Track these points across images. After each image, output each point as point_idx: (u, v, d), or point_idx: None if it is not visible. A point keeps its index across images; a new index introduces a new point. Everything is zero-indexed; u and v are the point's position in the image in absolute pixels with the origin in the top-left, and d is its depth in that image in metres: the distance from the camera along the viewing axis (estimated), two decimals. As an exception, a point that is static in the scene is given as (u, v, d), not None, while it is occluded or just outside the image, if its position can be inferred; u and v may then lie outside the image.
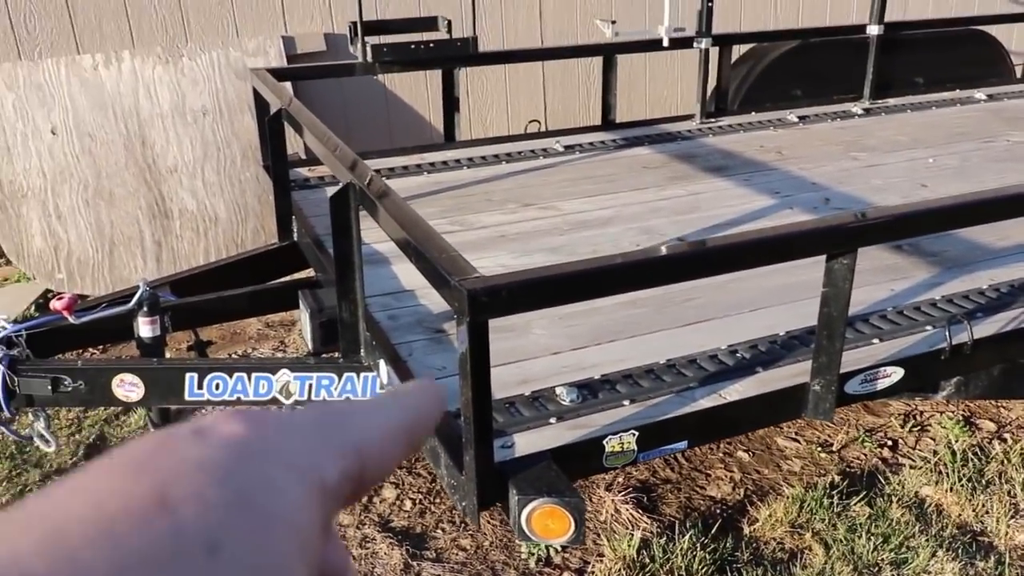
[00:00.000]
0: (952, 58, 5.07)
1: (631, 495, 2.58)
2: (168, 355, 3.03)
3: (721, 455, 2.79)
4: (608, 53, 4.05)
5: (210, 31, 4.30)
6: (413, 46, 3.50)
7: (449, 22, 3.63)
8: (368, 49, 3.45)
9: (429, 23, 3.71)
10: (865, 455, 2.77)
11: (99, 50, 4.11)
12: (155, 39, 4.23)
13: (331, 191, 2.03)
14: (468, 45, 3.55)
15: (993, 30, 5.19)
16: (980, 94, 4.81)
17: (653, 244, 2.80)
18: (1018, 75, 5.22)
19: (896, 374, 2.05)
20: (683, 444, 1.86)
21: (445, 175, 3.48)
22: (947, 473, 2.62)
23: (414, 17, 3.72)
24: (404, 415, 0.33)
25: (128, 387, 2.38)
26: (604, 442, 1.75)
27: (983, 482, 2.60)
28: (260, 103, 3.32)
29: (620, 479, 2.66)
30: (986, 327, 2.24)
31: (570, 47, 4.51)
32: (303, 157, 3.89)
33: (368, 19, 3.55)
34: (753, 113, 4.44)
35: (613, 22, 3.93)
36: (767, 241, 1.71)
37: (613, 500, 2.56)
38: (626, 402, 1.88)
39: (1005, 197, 1.95)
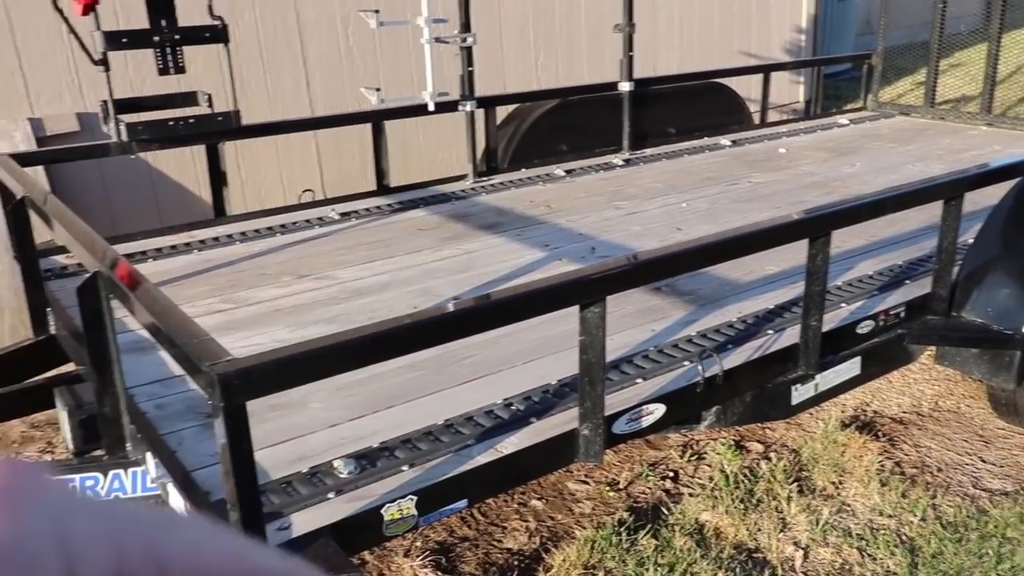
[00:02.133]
0: (698, 109, 5.55)
1: (429, 558, 2.56)
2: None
3: (516, 505, 2.84)
4: (376, 120, 4.11)
5: (-57, 115, 3.96)
6: (171, 122, 3.39)
7: (209, 96, 3.55)
8: (123, 128, 3.30)
9: (188, 98, 3.61)
10: (650, 489, 2.92)
11: None
12: None
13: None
14: (229, 119, 3.48)
15: (733, 82, 5.73)
16: (725, 140, 5.30)
17: (429, 306, 2.85)
18: (756, 121, 5.80)
19: (658, 410, 2.18)
20: (463, 503, 1.88)
21: (216, 251, 3.37)
22: (722, 497, 2.81)
23: (172, 93, 3.60)
24: (236, 549, 0.29)
25: None
26: (383, 511, 1.74)
27: (754, 501, 2.81)
28: (3, 191, 3.08)
29: (418, 543, 2.64)
30: (736, 357, 2.45)
31: (338, 116, 4.53)
32: (59, 243, 3.63)
33: (121, 97, 3.41)
34: (523, 169, 4.64)
35: (378, 90, 4.00)
36: (521, 297, 1.79)
37: (412, 566, 2.54)
38: (405, 467, 1.88)
39: (720, 241, 2.15)
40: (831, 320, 2.64)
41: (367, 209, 3.94)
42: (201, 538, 0.29)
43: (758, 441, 3.19)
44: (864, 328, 2.63)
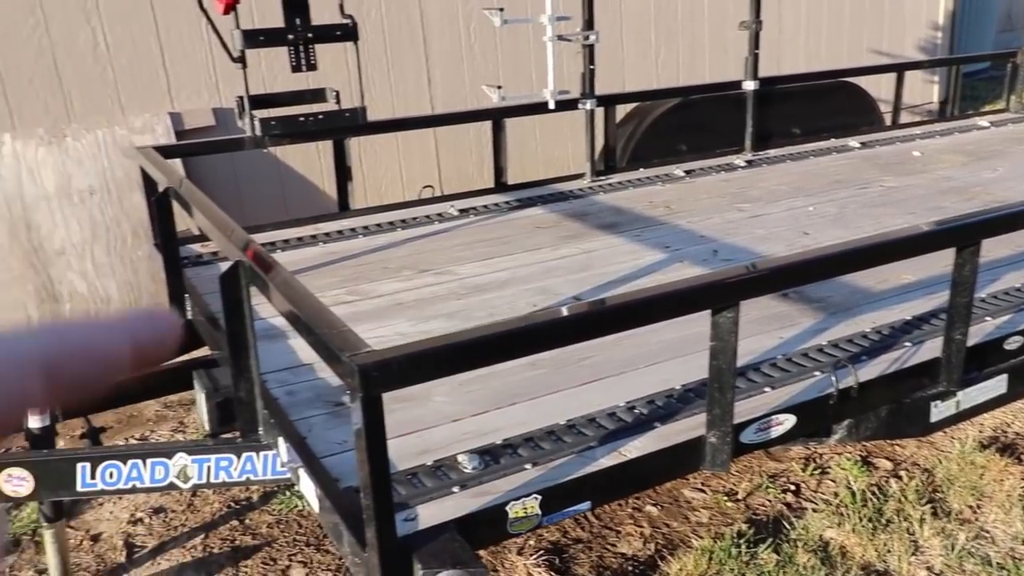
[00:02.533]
0: (825, 109, 5.36)
1: (543, 558, 2.55)
2: (60, 444, 2.88)
3: (630, 510, 2.80)
4: (497, 117, 4.13)
5: (94, 110, 4.20)
6: (302, 118, 3.49)
7: (337, 93, 3.64)
8: (256, 123, 3.42)
9: (317, 95, 3.71)
10: (770, 501, 2.83)
11: (-24, 133, 3.96)
12: (37, 121, 4.10)
13: (225, 266, 1.99)
14: (357, 115, 3.56)
15: (863, 81, 5.51)
16: (854, 142, 5.09)
17: (549, 304, 2.83)
18: (887, 123, 5.55)
19: (788, 421, 2.10)
20: (587, 505, 1.86)
21: (340, 244, 3.45)
22: (848, 514, 2.69)
23: (302, 90, 3.71)
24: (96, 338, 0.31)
25: (17, 482, 2.25)
26: (507, 508, 1.74)
27: (883, 521, 2.68)
28: (148, 181, 3.24)
29: (531, 542, 2.64)
30: (871, 369, 2.34)
31: (459, 113, 4.58)
32: (196, 232, 3.80)
33: (256, 93, 3.53)
34: (641, 169, 4.58)
35: (499, 87, 4.01)
36: (652, 300, 1.75)
37: (525, 564, 2.53)
38: (528, 466, 1.87)
39: (871, 245, 2.06)
40: (975, 334, 2.49)
41: (485, 206, 3.96)
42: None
43: (886, 458, 3.05)
44: (1012, 344, 2.47)
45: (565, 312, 1.73)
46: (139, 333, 0.31)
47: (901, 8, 7.19)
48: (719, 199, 4.09)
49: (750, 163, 4.72)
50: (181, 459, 2.16)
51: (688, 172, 4.54)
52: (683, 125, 5.00)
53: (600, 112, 4.41)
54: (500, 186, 4.20)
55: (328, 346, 1.46)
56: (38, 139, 4.02)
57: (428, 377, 1.51)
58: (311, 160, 4.63)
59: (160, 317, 0.32)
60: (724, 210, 3.90)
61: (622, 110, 4.76)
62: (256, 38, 3.42)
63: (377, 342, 2.46)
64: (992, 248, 3.06)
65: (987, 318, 2.61)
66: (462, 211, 3.88)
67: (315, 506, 1.85)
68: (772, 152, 4.92)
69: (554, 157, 5.50)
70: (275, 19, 3.50)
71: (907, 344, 2.46)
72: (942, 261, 2.30)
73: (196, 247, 3.51)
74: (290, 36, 3.44)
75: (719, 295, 1.84)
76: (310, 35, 3.47)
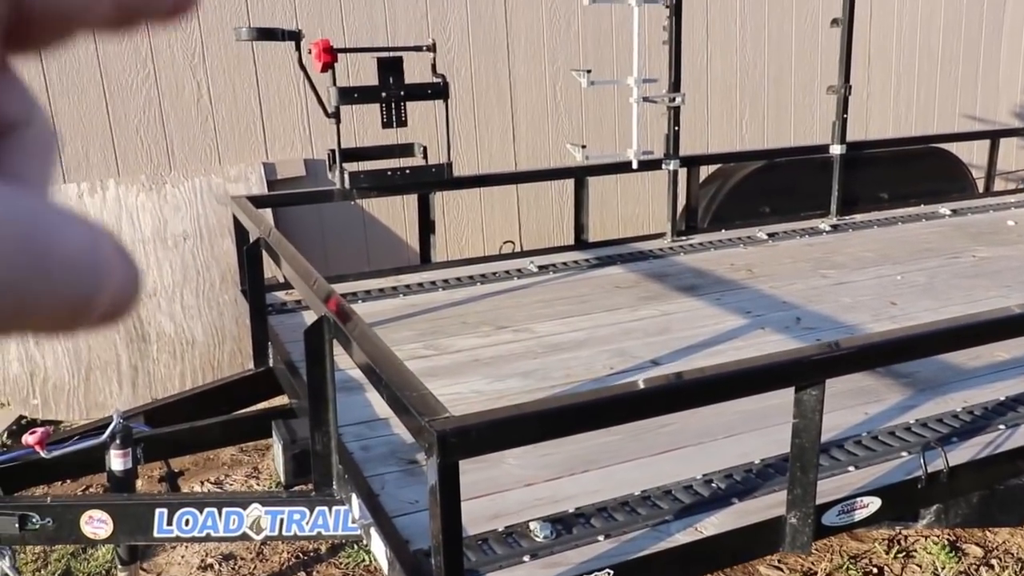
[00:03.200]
0: (914, 174, 5.25)
1: (611, 629, 2.49)
2: (139, 484, 2.97)
3: (703, 583, 2.72)
4: (580, 175, 4.16)
5: (193, 159, 4.39)
6: (389, 172, 3.59)
7: (425, 148, 3.73)
8: (346, 176, 3.53)
9: (405, 149, 3.81)
10: (850, 581, 2.72)
11: (85, 179, 4.18)
12: (140, 167, 4.31)
13: (307, 315, 2.05)
14: (443, 170, 3.64)
15: (954, 147, 5.38)
16: (944, 209, 4.95)
17: (626, 367, 2.81)
18: (980, 189, 5.40)
19: (873, 504, 2.03)
20: (660, 582, 1.82)
21: (420, 297, 3.50)
22: (934, 600, 2.57)
23: (391, 144, 3.82)
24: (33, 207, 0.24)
25: (96, 524, 2.32)
26: (579, 582, 1.71)
27: (970, 609, 2.55)
28: (239, 229, 3.36)
29: (600, 611, 2.58)
30: (962, 453, 2.24)
31: (542, 171, 4.63)
32: (281, 280, 3.92)
33: (346, 147, 3.65)
34: (723, 231, 4.54)
35: (583, 146, 4.05)
36: (733, 376, 1.72)
37: (593, 635, 2.48)
38: (600, 537, 1.85)
39: (960, 327, 1.99)
40: (1075, 421, 2.37)
41: (565, 263, 3.98)
42: None
43: (977, 544, 2.90)
44: (1117, 433, 2.34)
45: (643, 386, 1.71)
46: (114, 263, 0.25)
47: (995, 73, 7.01)
48: (803, 264, 4.02)
49: (835, 228, 4.64)
50: (255, 510, 2.19)
51: (771, 235, 4.48)
52: (767, 187, 4.96)
53: (683, 172, 4.42)
54: (580, 243, 4.22)
55: (407, 408, 1.48)
56: (140, 185, 4.22)
57: (506, 446, 1.52)
58: (396, 212, 4.73)
59: (130, 262, 0.26)
60: (807, 276, 3.83)
61: (705, 171, 4.75)
62: (351, 95, 3.54)
63: (452, 399, 2.49)
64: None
65: (1089, 403, 2.49)
66: (541, 267, 3.90)
67: (384, 566, 1.86)
68: (858, 217, 4.83)
69: (633, 215, 5.50)
70: (369, 76, 3.63)
71: (1001, 427, 2.36)
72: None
73: (281, 295, 3.61)
74: (383, 94, 3.55)
75: (804, 372, 1.80)
76: (402, 93, 3.57)
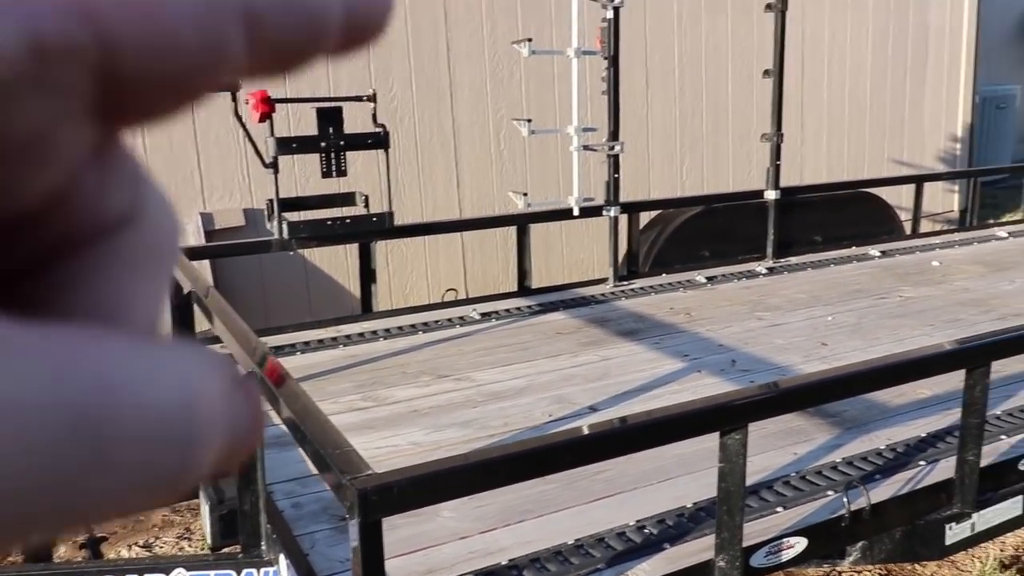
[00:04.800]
0: (845, 217, 5.42)
1: None
2: (59, 552, 2.89)
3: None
4: (522, 223, 4.23)
5: (130, 208, 4.35)
6: (329, 222, 3.60)
7: (366, 197, 3.77)
8: (285, 226, 3.54)
9: (347, 199, 3.84)
10: (787, 620, 2.75)
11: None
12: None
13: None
14: (384, 219, 3.67)
15: (884, 190, 5.58)
16: (874, 251, 5.12)
17: (565, 414, 2.85)
18: (907, 232, 5.59)
19: (800, 544, 2.08)
20: (590, 630, 1.84)
21: (361, 347, 3.50)
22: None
23: (332, 193, 3.84)
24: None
25: (11, 598, 2.26)
26: (509, 633, 1.72)
27: (903, 644, 2.60)
28: (172, 282, 3.34)
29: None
30: (885, 490, 2.31)
31: (485, 218, 4.69)
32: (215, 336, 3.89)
33: (286, 196, 3.66)
34: (664, 275, 4.63)
35: (525, 194, 4.13)
36: (656, 423, 1.76)
37: None
38: (533, 588, 1.86)
39: (875, 369, 2.06)
40: (990, 454, 2.46)
41: (508, 310, 4.01)
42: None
43: (908, 579, 2.97)
44: (1029, 467, 2.43)
45: (567, 437, 1.74)
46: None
47: (921, 120, 7.31)
48: (739, 307, 4.11)
49: (771, 270, 4.76)
50: (179, 575, 2.15)
51: (710, 279, 4.58)
52: (706, 232, 5.08)
53: (624, 218, 4.51)
54: (523, 290, 4.27)
55: (329, 466, 1.49)
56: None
57: (431, 501, 1.53)
58: (338, 261, 4.74)
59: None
60: (744, 318, 3.92)
61: (646, 216, 4.85)
62: (289, 146, 3.57)
63: (388, 452, 2.50)
64: (1007, 363, 3.05)
65: (1002, 437, 2.58)
66: (484, 315, 3.93)
67: (316, 624, 1.84)
68: (793, 259, 4.96)
69: (579, 260, 5.58)
70: (309, 125, 3.66)
71: (922, 463, 2.44)
72: (960, 375, 2.29)
73: (215, 348, 3.58)
74: (322, 144, 3.58)
75: (727, 417, 1.85)
76: (342, 143, 3.61)
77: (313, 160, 3.68)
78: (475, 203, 5.15)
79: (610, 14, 4.20)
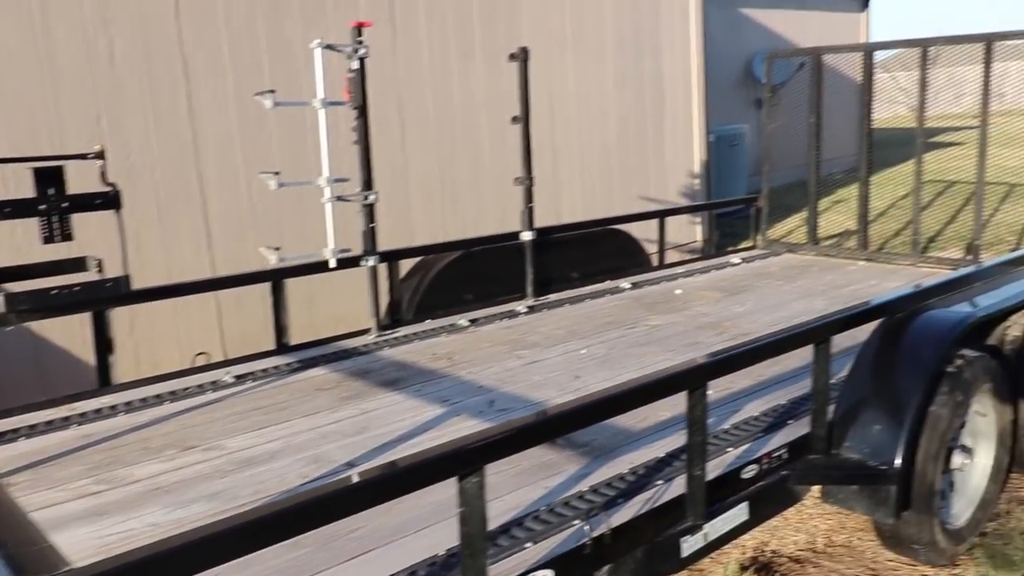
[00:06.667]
0: (598, 253, 5.73)
1: None
2: None
3: None
4: (276, 278, 4.11)
5: None
6: (55, 291, 3.32)
7: (100, 262, 3.51)
8: (1, 298, 3.22)
9: (77, 264, 3.55)
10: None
11: None
12: None
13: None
14: (119, 284, 3.43)
15: (634, 226, 5.94)
16: (626, 283, 5.45)
17: (321, 474, 2.77)
18: (654, 263, 6.00)
19: (546, 576, 2.13)
20: None
21: (97, 425, 3.23)
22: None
23: (59, 260, 3.54)
24: None
25: None
26: None
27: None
28: None
29: None
30: (626, 512, 2.43)
31: (233, 277, 4.50)
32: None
33: (6, 265, 3.35)
34: (428, 321, 4.67)
35: (277, 248, 4.02)
36: (389, 478, 1.75)
37: None
38: (275, 663, 1.77)
39: (593, 403, 2.18)
40: (717, 466, 2.67)
41: (264, 370, 3.87)
42: None
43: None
44: (749, 472, 2.65)
45: (285, 504, 1.67)
46: None
47: (662, 159, 7.93)
48: (500, 347, 4.22)
49: (531, 309, 4.93)
50: None
51: (472, 321, 4.67)
52: (468, 275, 5.17)
53: (386, 267, 4.51)
54: (282, 347, 4.14)
55: (20, 569, 1.35)
56: None
57: (139, 590, 1.42)
58: (73, 330, 4.38)
59: None
60: (503, 358, 4.02)
61: (409, 264, 4.87)
62: (2, 210, 3.26)
63: (123, 538, 2.31)
64: (736, 379, 3.33)
65: (729, 449, 2.80)
66: (239, 377, 3.76)
67: None
68: (552, 296, 5.17)
69: (346, 313, 5.50)
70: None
71: (659, 483, 2.59)
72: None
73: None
74: (42, 207, 3.31)
75: (461, 462, 1.87)
76: (65, 204, 3.35)
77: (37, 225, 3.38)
78: (230, 260, 4.95)
79: (356, 64, 4.24)
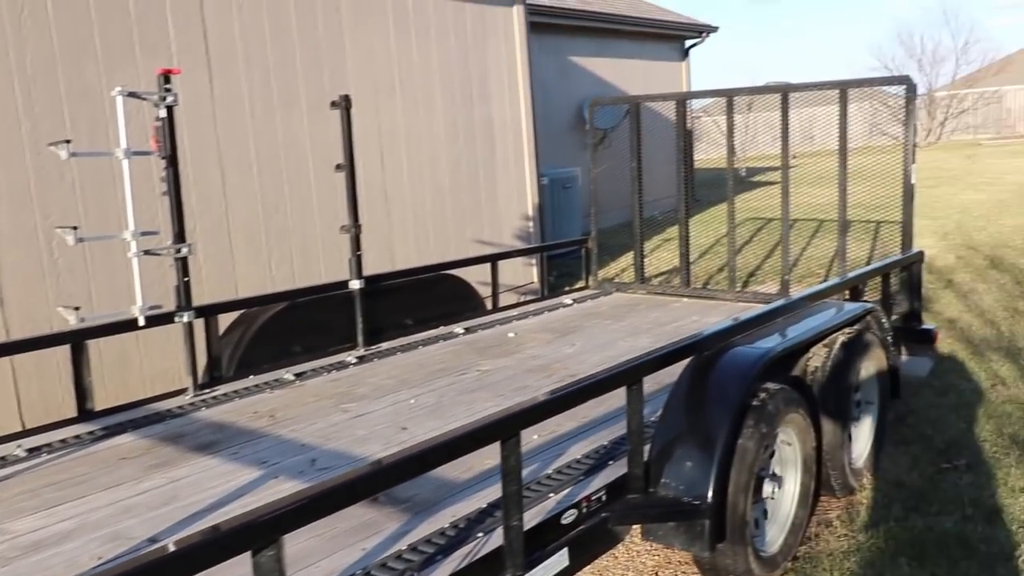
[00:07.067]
0: (431, 299, 5.68)
1: None
2: None
3: None
4: (76, 340, 3.82)
5: None
6: None
7: None
8: None
9: None
10: None
11: None
12: None
13: None
14: None
15: (469, 270, 5.93)
16: (459, 328, 5.42)
17: (118, 553, 2.56)
18: (488, 307, 6.01)
19: (356, 647, 2.03)
20: None
21: None
22: None
23: None
24: None
25: None
26: None
27: None
28: None
29: None
30: (444, 568, 2.36)
31: (27, 340, 4.15)
32: None
33: None
34: (251, 377, 4.46)
35: (77, 308, 3.74)
36: (171, 559, 1.62)
37: None
38: None
39: (400, 461, 2.11)
40: (537, 513, 2.65)
41: (63, 440, 3.57)
42: None
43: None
44: (568, 517, 2.65)
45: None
46: None
47: (496, 203, 8.02)
48: (326, 401, 4.08)
49: (362, 359, 4.81)
50: None
51: (299, 375, 4.50)
52: (295, 327, 5.00)
53: (202, 323, 4.29)
54: (85, 414, 3.84)
55: None
56: None
57: None
58: None
59: None
60: (329, 413, 3.88)
61: (230, 317, 4.66)
62: None
63: None
64: (562, 422, 3.35)
65: (550, 495, 2.79)
66: (32, 450, 3.45)
67: None
68: (384, 345, 5.07)
69: (163, 371, 5.19)
70: None
71: (479, 535, 2.54)
72: (525, 436, 2.42)
73: None
74: None
75: (253, 537, 1.76)
76: None
77: None
78: (26, 322, 4.57)
79: (163, 112, 4.04)
